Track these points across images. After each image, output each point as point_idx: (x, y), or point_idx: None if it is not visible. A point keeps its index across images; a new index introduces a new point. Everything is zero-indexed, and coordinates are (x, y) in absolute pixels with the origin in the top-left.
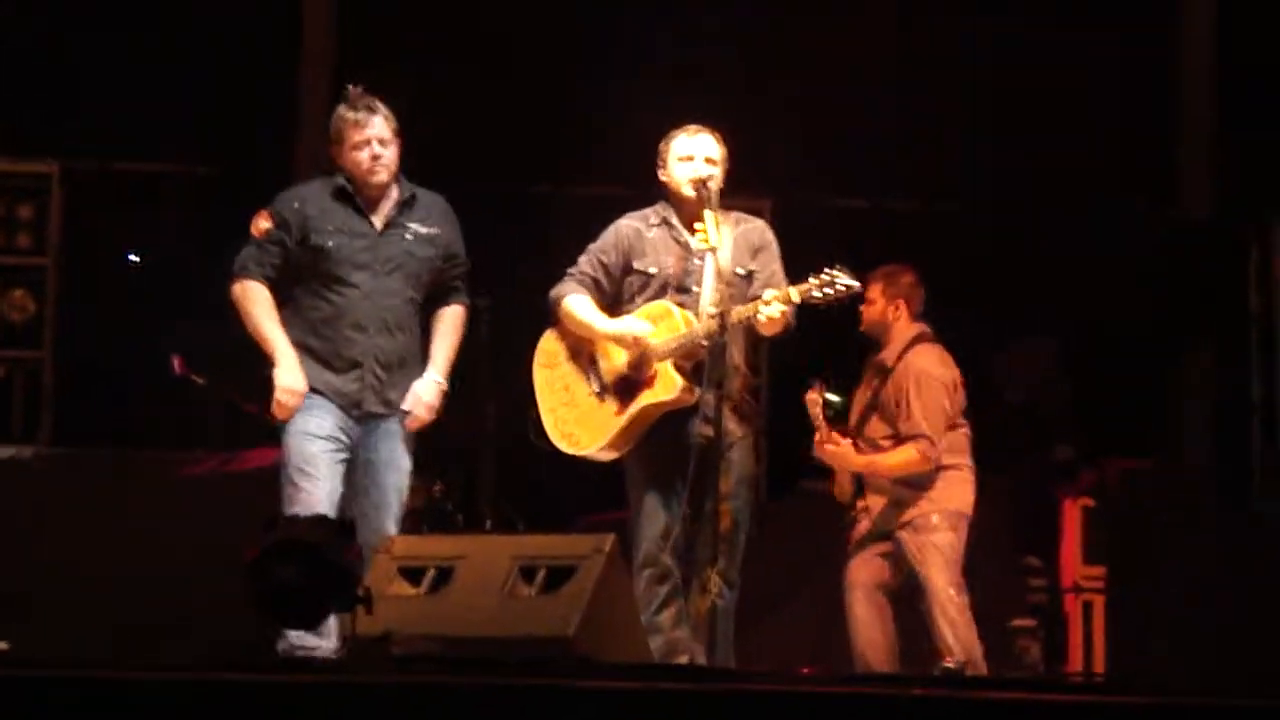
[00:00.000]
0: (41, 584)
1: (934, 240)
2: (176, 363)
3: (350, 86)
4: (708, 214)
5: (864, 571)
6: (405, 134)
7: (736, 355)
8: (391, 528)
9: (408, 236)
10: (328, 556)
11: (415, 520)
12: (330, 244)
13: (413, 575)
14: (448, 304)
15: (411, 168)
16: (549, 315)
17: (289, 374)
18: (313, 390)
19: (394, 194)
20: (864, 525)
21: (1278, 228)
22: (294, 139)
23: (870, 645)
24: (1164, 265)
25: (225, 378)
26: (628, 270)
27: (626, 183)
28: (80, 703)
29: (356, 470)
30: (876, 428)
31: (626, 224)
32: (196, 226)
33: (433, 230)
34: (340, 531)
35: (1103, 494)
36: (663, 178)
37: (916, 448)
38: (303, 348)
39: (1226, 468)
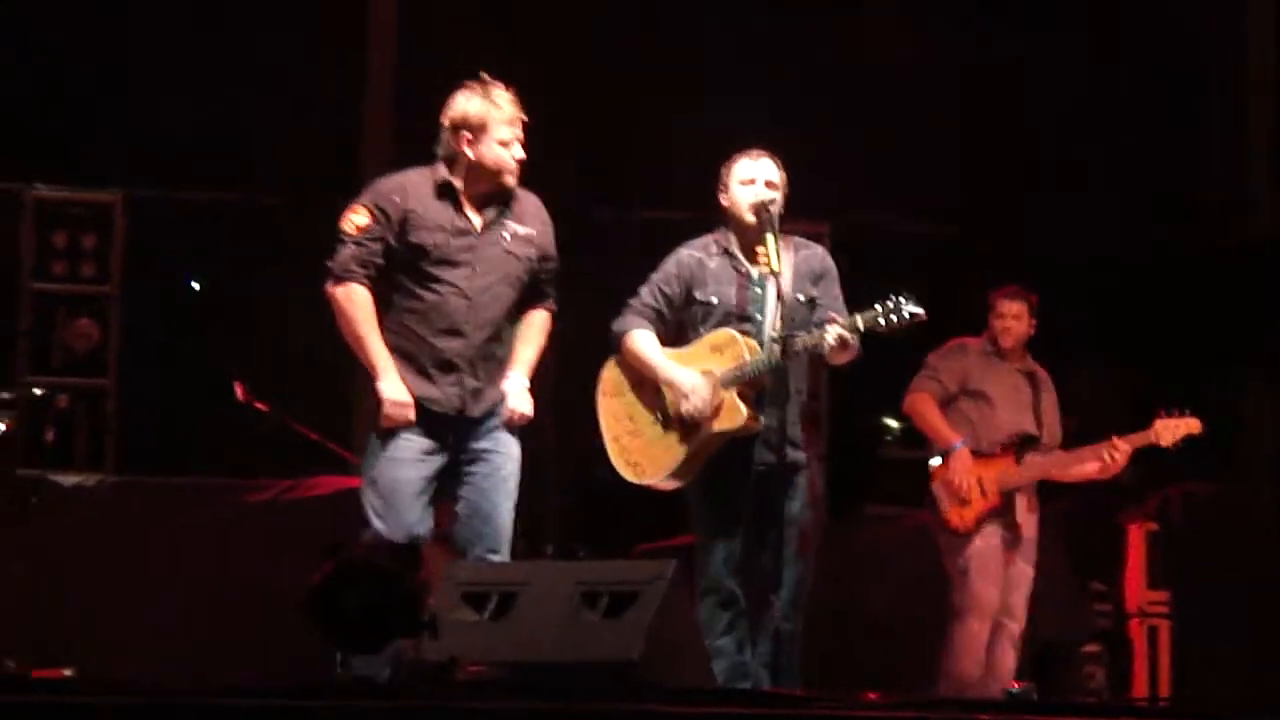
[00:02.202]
0: (106, 610)
1: (993, 265)
2: (239, 390)
3: (482, 75)
4: (769, 238)
5: (995, 598)
6: None
7: (798, 381)
8: (510, 519)
9: (506, 236)
10: (392, 581)
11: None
12: (431, 241)
13: (476, 601)
14: (534, 307)
15: None
16: (612, 346)
17: (394, 386)
18: None
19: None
20: (994, 542)
21: None
22: (356, 167)
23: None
24: (1228, 286)
25: (287, 405)
26: (690, 300)
27: (688, 207)
28: None
29: (465, 472)
30: (1053, 432)
31: (687, 254)
32: (259, 254)
33: (530, 230)
34: (405, 556)
35: (1166, 518)
36: (724, 202)
37: None
38: (398, 353)
39: None
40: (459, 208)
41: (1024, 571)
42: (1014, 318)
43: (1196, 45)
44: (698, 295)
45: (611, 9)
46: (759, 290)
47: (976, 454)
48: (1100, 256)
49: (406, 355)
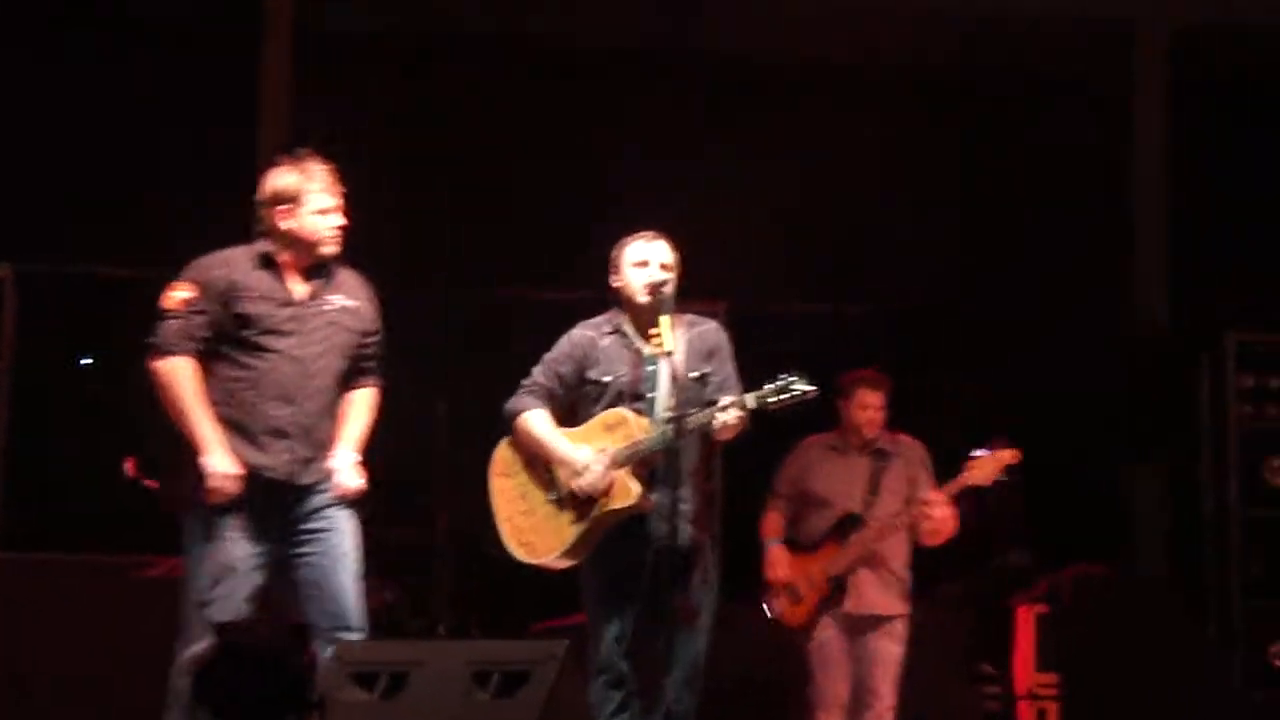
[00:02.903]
0: None
1: (887, 344)
2: (129, 467)
3: (300, 149)
4: (663, 319)
5: (843, 687)
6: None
7: (691, 460)
8: (358, 597)
9: (331, 306)
10: (280, 662)
11: (369, 625)
12: (256, 311)
13: (366, 680)
14: (361, 384)
15: (375, 267)
16: (505, 425)
17: (221, 459)
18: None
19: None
20: (831, 633)
21: (1229, 341)
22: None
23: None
24: (1118, 376)
25: (176, 483)
26: (583, 380)
27: (589, 288)
28: None
29: (301, 555)
30: (886, 505)
31: (580, 333)
32: (152, 330)
33: (353, 302)
34: (293, 636)
35: (1057, 600)
36: (616, 284)
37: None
38: (227, 423)
39: (1179, 577)
40: (281, 279)
41: (885, 649)
42: (876, 408)
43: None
44: (590, 374)
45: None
46: (652, 369)
47: (804, 549)
48: (993, 338)
49: (236, 424)
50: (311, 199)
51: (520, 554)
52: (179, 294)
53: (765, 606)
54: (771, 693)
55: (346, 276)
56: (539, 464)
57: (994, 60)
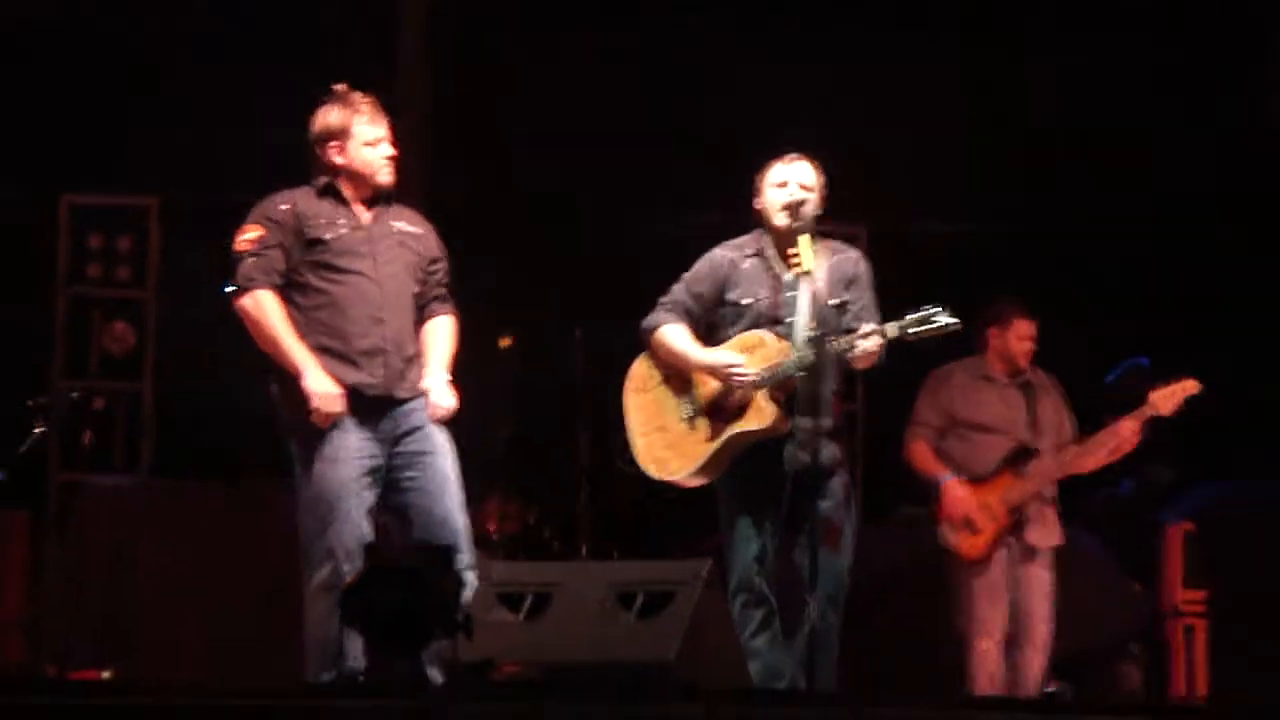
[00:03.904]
0: (145, 612)
1: (1030, 266)
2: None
3: (337, 87)
4: (802, 239)
5: (1002, 615)
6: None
7: (830, 383)
8: (462, 516)
9: (396, 229)
10: (428, 582)
11: (512, 547)
12: (329, 235)
13: (511, 601)
14: (436, 313)
15: (499, 198)
16: (642, 341)
17: (320, 379)
18: None
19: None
20: (999, 562)
21: None
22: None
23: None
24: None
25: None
26: (721, 301)
27: (720, 211)
28: None
29: (405, 479)
30: (1048, 437)
31: (721, 254)
32: (230, 273)
33: (416, 229)
34: (440, 557)
35: (1203, 517)
36: (757, 205)
37: None
38: (320, 350)
39: None
40: (347, 206)
41: (1039, 577)
42: (1031, 339)
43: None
44: (730, 296)
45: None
46: (792, 293)
47: (977, 479)
48: (1129, 256)
49: (329, 350)
50: (359, 131)
51: (653, 470)
52: (249, 235)
53: (940, 537)
54: (911, 615)
55: (403, 208)
56: (675, 380)
57: None
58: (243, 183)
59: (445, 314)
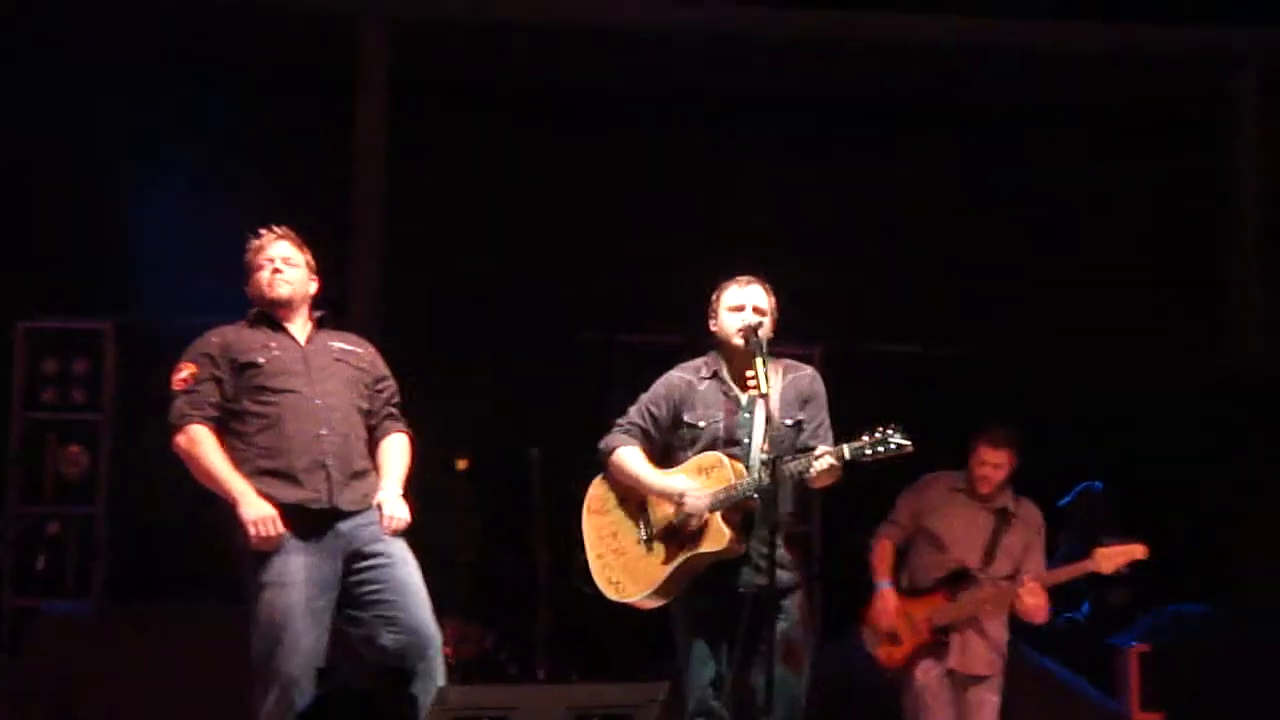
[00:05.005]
0: None
1: (982, 387)
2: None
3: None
4: (758, 361)
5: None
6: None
7: (785, 504)
8: (433, 623)
9: (335, 348)
10: (381, 706)
11: (468, 671)
12: (261, 359)
13: None
14: (389, 433)
15: (461, 314)
16: (599, 463)
17: (254, 505)
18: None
19: (306, 316)
20: (934, 675)
21: None
22: (346, 301)
23: None
24: (1223, 416)
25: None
26: (678, 423)
27: (678, 331)
28: None
29: (365, 584)
30: (1000, 566)
31: (678, 376)
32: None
33: (356, 349)
34: (396, 681)
35: (1159, 638)
36: (713, 328)
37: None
38: (261, 473)
39: None
40: (279, 330)
41: (984, 699)
42: (994, 466)
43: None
44: (686, 418)
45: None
46: (747, 415)
47: (913, 591)
48: (1090, 379)
49: (270, 472)
50: (252, 261)
51: (609, 592)
52: (182, 373)
53: (864, 643)
54: None
55: (343, 332)
56: (632, 502)
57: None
58: (194, 307)
59: (398, 432)
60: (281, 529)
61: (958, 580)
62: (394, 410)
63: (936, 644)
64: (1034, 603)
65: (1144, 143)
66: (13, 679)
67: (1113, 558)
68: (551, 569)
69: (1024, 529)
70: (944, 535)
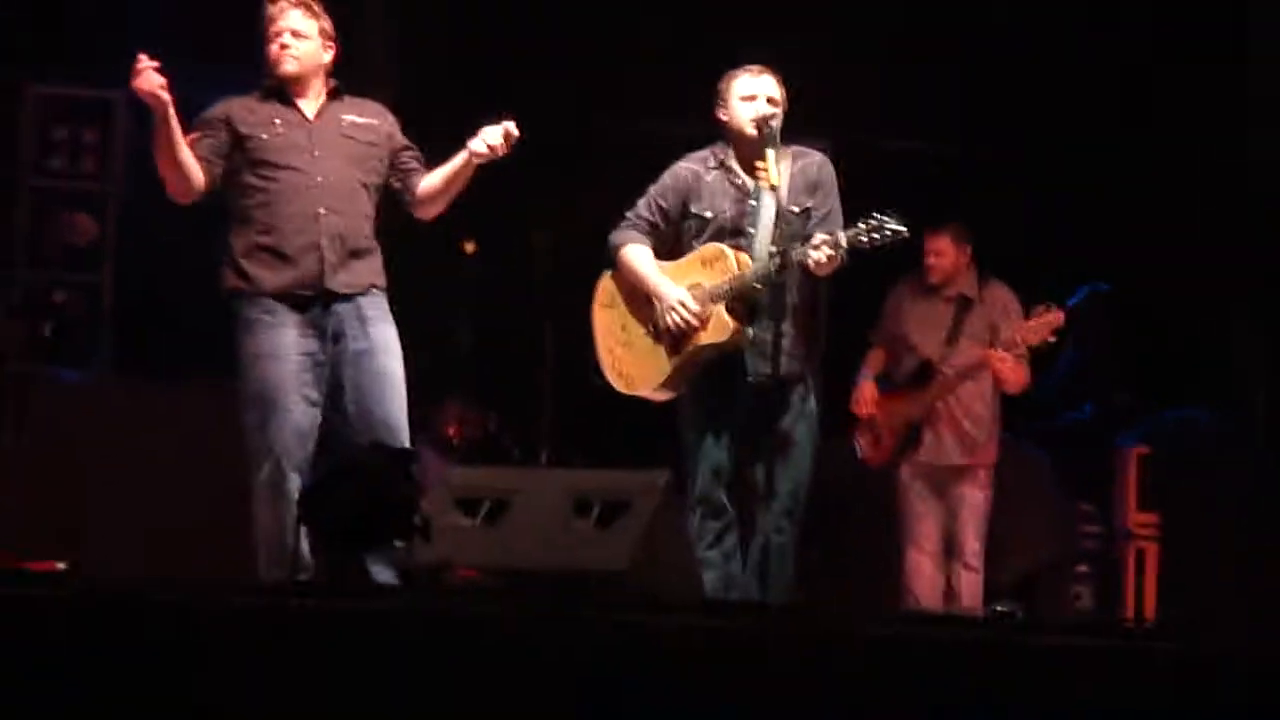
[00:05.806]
0: (98, 507)
1: (987, 186)
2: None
3: None
4: (769, 152)
5: (930, 528)
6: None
7: (794, 295)
8: (401, 415)
9: (345, 122)
10: (386, 483)
11: (472, 453)
12: (264, 134)
13: (469, 506)
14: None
15: (466, 100)
16: (608, 258)
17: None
18: (271, 297)
19: (320, 88)
20: (918, 473)
21: None
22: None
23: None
24: (1226, 220)
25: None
26: (685, 214)
27: (684, 118)
28: (137, 623)
29: (343, 365)
30: (967, 353)
31: (684, 167)
32: None
33: (369, 120)
34: (399, 458)
35: (1158, 440)
36: (723, 117)
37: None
38: (254, 248)
39: None
40: (288, 104)
41: (967, 495)
42: (935, 254)
43: None
44: (693, 209)
45: None
46: (755, 204)
47: (891, 389)
48: (1095, 179)
49: (263, 248)
50: (264, 27)
51: (618, 385)
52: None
53: (856, 445)
54: (870, 528)
55: (361, 101)
56: (639, 297)
57: None
58: (209, 77)
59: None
60: (156, 84)
61: (924, 374)
62: (419, 170)
63: (910, 441)
64: (1004, 369)
65: None
66: (18, 442)
67: (1034, 330)
68: (556, 355)
69: (988, 310)
70: (910, 332)
